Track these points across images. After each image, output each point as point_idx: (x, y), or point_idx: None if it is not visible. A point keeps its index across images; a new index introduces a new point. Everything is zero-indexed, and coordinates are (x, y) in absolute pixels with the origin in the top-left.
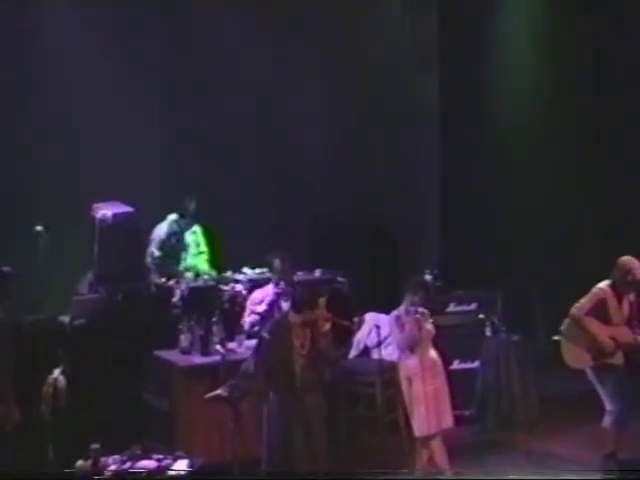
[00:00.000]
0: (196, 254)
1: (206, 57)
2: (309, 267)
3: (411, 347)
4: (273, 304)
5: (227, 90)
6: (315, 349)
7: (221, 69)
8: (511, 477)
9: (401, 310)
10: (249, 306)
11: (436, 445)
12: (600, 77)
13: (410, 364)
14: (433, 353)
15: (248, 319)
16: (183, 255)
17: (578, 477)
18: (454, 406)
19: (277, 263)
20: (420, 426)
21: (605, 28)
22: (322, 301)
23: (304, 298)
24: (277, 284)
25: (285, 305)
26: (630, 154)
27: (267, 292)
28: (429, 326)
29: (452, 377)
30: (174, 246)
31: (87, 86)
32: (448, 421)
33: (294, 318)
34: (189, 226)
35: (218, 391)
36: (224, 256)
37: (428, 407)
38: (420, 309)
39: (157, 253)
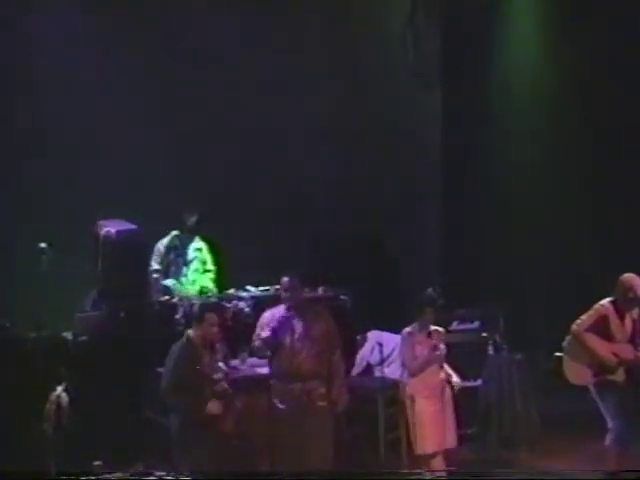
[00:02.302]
0: (201, 272)
1: (207, 74)
2: (311, 285)
3: (422, 371)
4: (283, 325)
5: (228, 106)
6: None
7: (226, 83)
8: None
9: (415, 327)
10: (258, 328)
11: (436, 464)
12: (604, 87)
13: (415, 383)
14: (442, 374)
15: (256, 343)
16: (184, 270)
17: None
18: (456, 424)
19: (284, 281)
20: (421, 444)
21: (605, 38)
22: (210, 316)
23: (193, 314)
24: (287, 303)
25: (298, 325)
26: (631, 170)
27: (278, 312)
28: (442, 346)
29: (454, 395)
30: (173, 261)
31: (88, 103)
32: (451, 441)
33: (195, 339)
34: (189, 240)
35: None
36: (226, 273)
37: (430, 426)
38: (436, 328)
39: (155, 267)
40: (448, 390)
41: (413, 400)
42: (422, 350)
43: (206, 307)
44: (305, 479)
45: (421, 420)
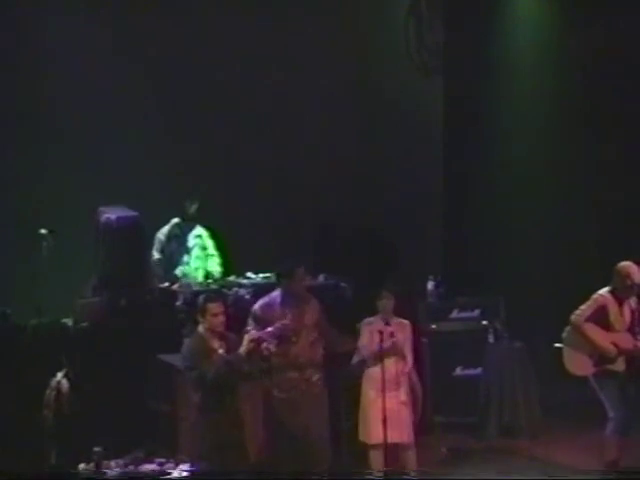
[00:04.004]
0: (203, 258)
1: (212, 60)
2: (312, 273)
3: (370, 359)
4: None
5: (230, 94)
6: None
7: (229, 73)
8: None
9: (378, 317)
10: (251, 321)
11: (378, 457)
12: (604, 79)
13: (368, 372)
14: (396, 367)
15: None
16: (185, 258)
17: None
18: (457, 412)
19: (299, 271)
20: (363, 433)
21: (608, 30)
22: (211, 307)
23: (196, 307)
24: (288, 292)
25: (294, 315)
26: (630, 159)
27: (271, 302)
28: (397, 338)
29: (455, 384)
30: (176, 249)
31: (89, 89)
32: (403, 436)
33: (203, 332)
34: (190, 229)
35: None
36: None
37: (374, 418)
38: (400, 320)
39: (157, 256)
40: (406, 384)
41: (366, 388)
42: (375, 338)
43: (207, 298)
44: (306, 479)
45: (365, 409)
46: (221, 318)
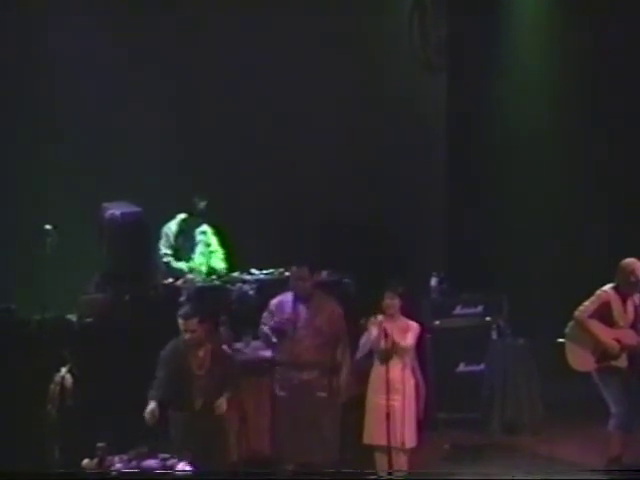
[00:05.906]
0: (206, 254)
1: (213, 55)
2: (316, 269)
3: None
4: (288, 312)
5: (235, 89)
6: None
7: (228, 67)
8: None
9: (384, 317)
10: (265, 313)
11: (381, 460)
12: (606, 76)
13: (372, 374)
14: (398, 370)
15: (264, 329)
16: (191, 254)
17: (578, 478)
18: (460, 409)
19: (293, 270)
20: (366, 434)
21: (609, 28)
22: (180, 324)
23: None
24: (294, 292)
25: (303, 314)
26: (632, 155)
27: (285, 299)
28: (399, 339)
29: (458, 380)
30: (182, 245)
31: (92, 84)
32: (402, 441)
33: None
34: (197, 225)
35: None
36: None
37: (374, 419)
38: (405, 321)
39: (165, 250)
40: (408, 388)
41: (369, 390)
42: (376, 338)
43: (181, 310)
44: (305, 479)
45: (368, 411)
46: (189, 335)
